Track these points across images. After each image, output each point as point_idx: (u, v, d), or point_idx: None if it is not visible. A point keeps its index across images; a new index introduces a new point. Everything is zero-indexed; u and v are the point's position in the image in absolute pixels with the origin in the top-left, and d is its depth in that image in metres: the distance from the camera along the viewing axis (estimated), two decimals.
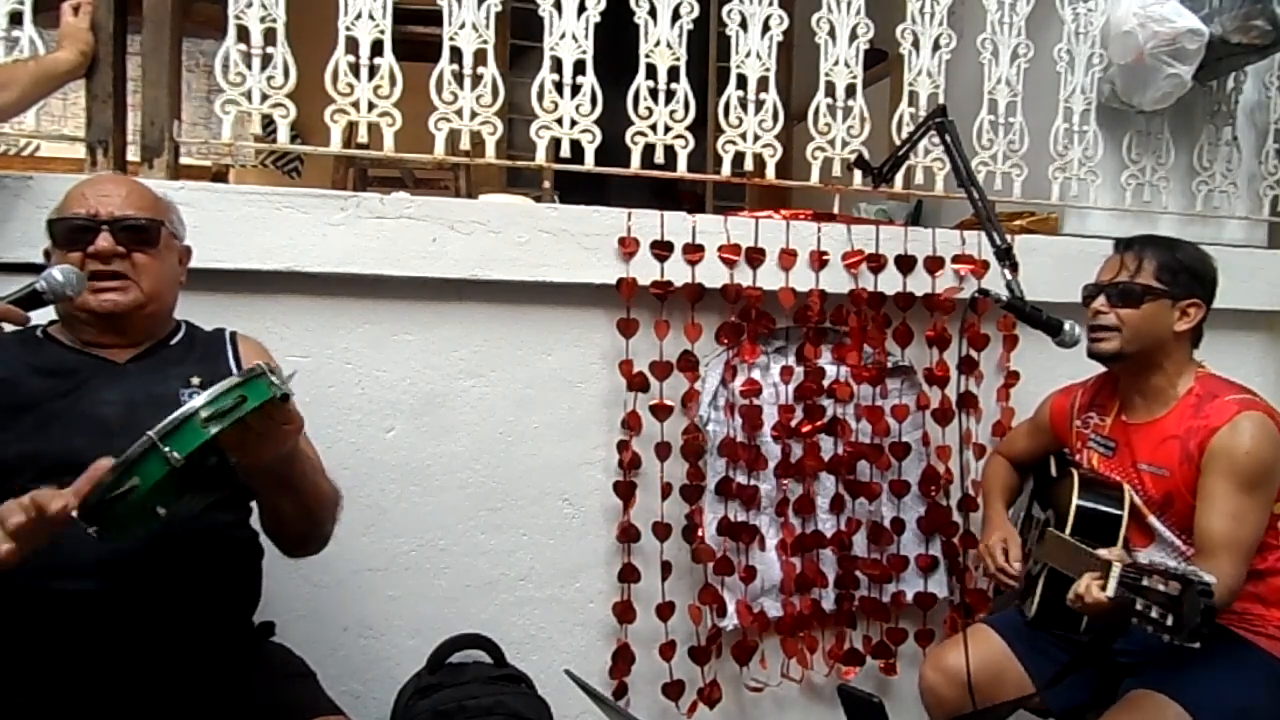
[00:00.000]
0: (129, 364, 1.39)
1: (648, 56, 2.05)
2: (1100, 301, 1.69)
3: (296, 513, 1.34)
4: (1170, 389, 1.68)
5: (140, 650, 1.25)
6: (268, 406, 1.10)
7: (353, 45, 1.88)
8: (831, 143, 2.20)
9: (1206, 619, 1.17)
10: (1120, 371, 1.75)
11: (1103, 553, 1.39)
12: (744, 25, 2.11)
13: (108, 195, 1.39)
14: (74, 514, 1.04)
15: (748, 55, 2.12)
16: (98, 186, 1.41)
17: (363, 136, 1.92)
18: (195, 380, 1.41)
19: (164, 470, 1.04)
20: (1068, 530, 1.64)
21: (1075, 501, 1.66)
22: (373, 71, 1.89)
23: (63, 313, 1.40)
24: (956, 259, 2.17)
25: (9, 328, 1.32)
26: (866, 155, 2.18)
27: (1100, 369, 1.82)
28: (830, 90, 2.19)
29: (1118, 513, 1.65)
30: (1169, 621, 1.20)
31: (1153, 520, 1.67)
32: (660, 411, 2.01)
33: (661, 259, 1.99)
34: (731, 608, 2.07)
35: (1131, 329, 1.66)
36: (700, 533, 2.05)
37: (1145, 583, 1.25)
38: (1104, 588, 1.32)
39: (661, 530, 2.02)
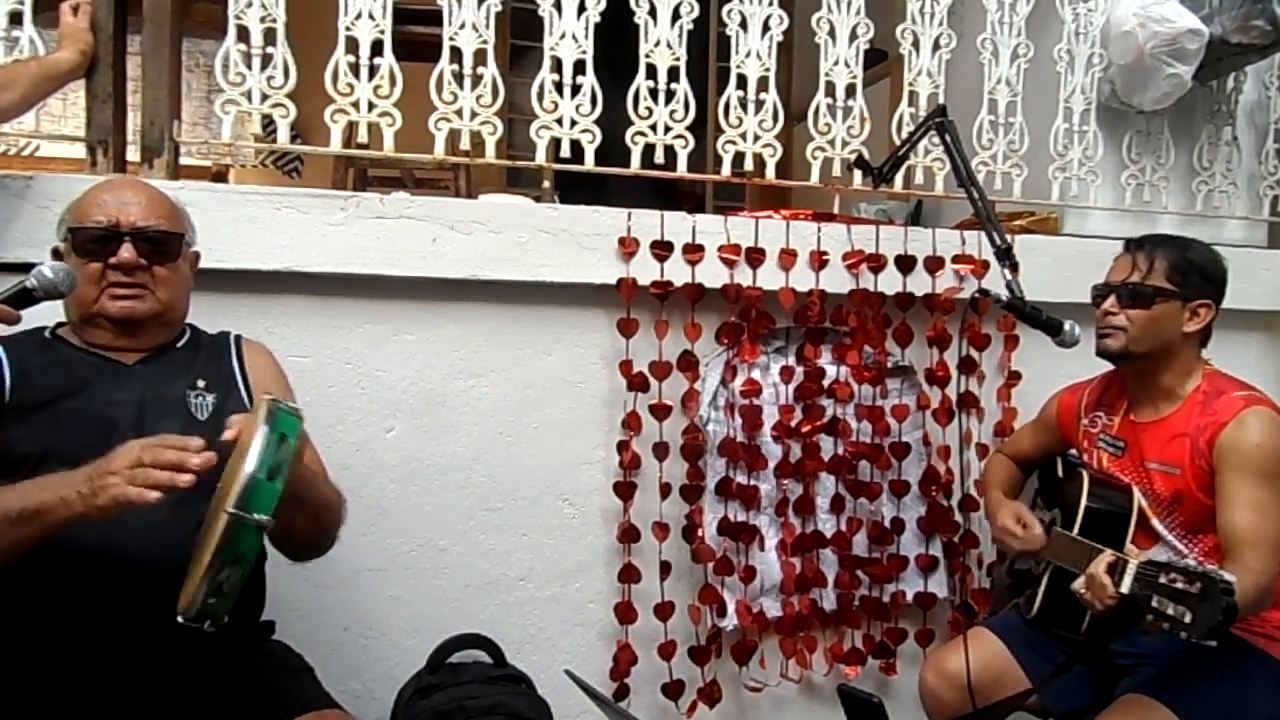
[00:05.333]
0: (136, 366, 1.40)
1: (648, 56, 2.04)
2: (1110, 302, 1.69)
3: (306, 524, 1.35)
4: (1178, 388, 1.68)
5: (146, 650, 1.25)
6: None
7: (353, 45, 1.88)
8: (831, 143, 2.20)
9: (1228, 618, 1.17)
10: (1128, 370, 1.75)
11: (1123, 551, 1.40)
12: (744, 25, 2.11)
13: (128, 203, 1.39)
14: (180, 619, 1.06)
15: (748, 55, 2.12)
16: (117, 193, 1.41)
17: (363, 136, 1.92)
18: (201, 383, 1.42)
19: (260, 538, 1.06)
20: (1076, 530, 1.64)
21: (1085, 503, 1.66)
22: (373, 71, 1.89)
23: (74, 316, 1.40)
24: (956, 259, 2.17)
25: (7, 329, 1.32)
26: (866, 155, 2.18)
27: (1106, 367, 1.82)
28: (830, 90, 2.19)
29: (1126, 514, 1.66)
30: (1187, 619, 1.20)
31: (1156, 523, 1.67)
32: (660, 411, 2.01)
33: (661, 259, 1.99)
34: (731, 608, 2.07)
35: (1140, 329, 1.66)
36: (700, 533, 2.04)
37: (1163, 580, 1.25)
38: (1117, 584, 1.32)
39: (661, 530, 2.02)
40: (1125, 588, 1.31)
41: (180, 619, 1.06)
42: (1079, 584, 1.43)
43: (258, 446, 1.06)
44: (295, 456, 1.11)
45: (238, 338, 1.54)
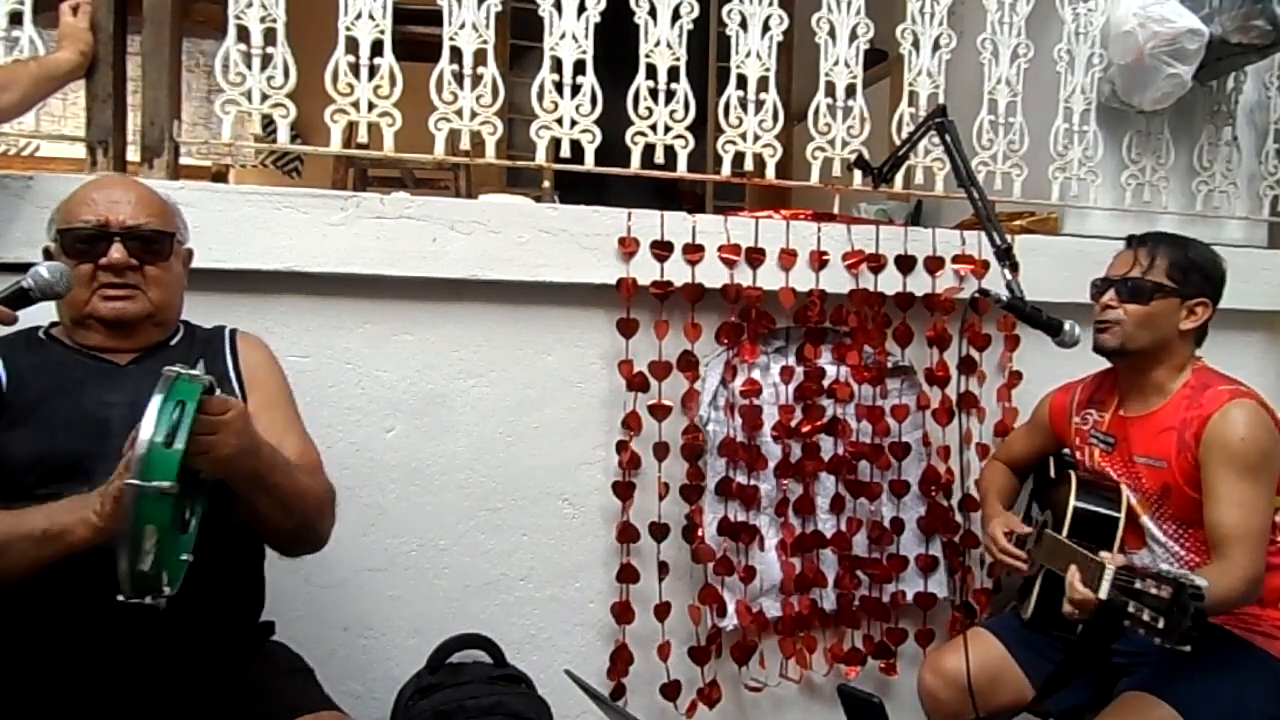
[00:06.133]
0: (129, 366, 1.39)
1: (648, 56, 2.04)
2: (1109, 296, 1.70)
3: (275, 510, 1.30)
4: (1168, 383, 1.69)
5: (144, 651, 1.25)
6: (204, 403, 1.11)
7: (353, 45, 1.88)
8: (831, 143, 2.20)
9: (1198, 622, 1.18)
10: (1122, 366, 1.76)
11: (1099, 555, 1.40)
12: (744, 25, 2.11)
13: (117, 201, 1.37)
14: (121, 598, 1.05)
15: (748, 55, 2.12)
16: (106, 191, 1.39)
17: (363, 136, 1.92)
18: None
19: (168, 504, 1.05)
20: (1065, 532, 1.65)
21: (1073, 503, 1.68)
22: (373, 71, 1.89)
23: (66, 317, 1.39)
24: (956, 259, 2.17)
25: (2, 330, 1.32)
26: (866, 155, 2.18)
27: (1100, 366, 1.83)
28: (830, 90, 2.19)
29: (1114, 515, 1.66)
30: (1160, 625, 1.21)
31: (1145, 520, 1.67)
32: (660, 411, 2.01)
33: (661, 259, 1.99)
34: (731, 608, 2.07)
35: (1138, 324, 1.67)
36: (700, 533, 2.04)
37: (1138, 585, 1.26)
38: (1096, 589, 1.33)
39: (660, 530, 2.02)
40: (1104, 593, 1.31)
41: (120, 599, 1.05)
42: (1065, 607, 1.43)
43: (150, 416, 1.06)
44: (199, 421, 1.10)
45: (233, 332, 1.53)
